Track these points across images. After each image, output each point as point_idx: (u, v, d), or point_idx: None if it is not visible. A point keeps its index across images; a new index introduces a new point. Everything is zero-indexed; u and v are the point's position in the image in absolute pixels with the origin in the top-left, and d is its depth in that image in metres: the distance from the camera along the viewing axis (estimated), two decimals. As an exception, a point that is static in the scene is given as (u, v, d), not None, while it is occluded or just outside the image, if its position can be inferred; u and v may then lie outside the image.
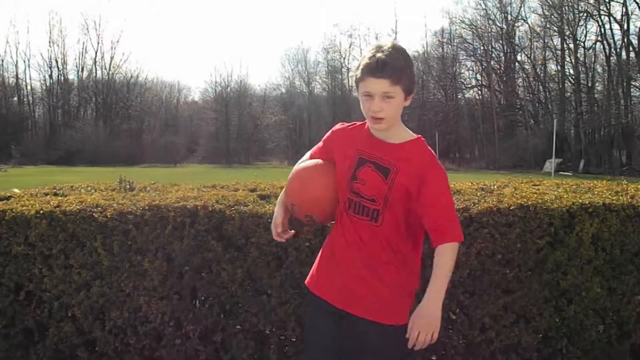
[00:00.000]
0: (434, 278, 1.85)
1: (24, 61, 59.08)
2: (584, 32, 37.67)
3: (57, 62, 46.45)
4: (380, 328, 1.87)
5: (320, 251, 2.07)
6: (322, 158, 2.04)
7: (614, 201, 2.80)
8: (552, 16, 38.08)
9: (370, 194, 1.87)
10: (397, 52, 1.84)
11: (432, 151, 1.92)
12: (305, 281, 2.08)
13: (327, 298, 1.95)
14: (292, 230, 2.07)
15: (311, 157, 2.10)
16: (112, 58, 48.69)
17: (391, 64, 1.79)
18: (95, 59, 47.75)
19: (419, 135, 1.95)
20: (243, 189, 3.37)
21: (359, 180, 1.88)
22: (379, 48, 1.83)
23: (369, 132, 1.95)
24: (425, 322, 1.82)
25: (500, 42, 42.22)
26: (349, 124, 2.05)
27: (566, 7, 36.76)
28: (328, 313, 1.95)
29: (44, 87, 47.13)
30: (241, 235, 2.76)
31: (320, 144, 2.09)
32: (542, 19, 39.37)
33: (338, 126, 2.08)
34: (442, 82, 44.42)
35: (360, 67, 1.84)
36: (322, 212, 1.98)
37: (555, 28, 38.23)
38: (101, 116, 46.41)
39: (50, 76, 46.42)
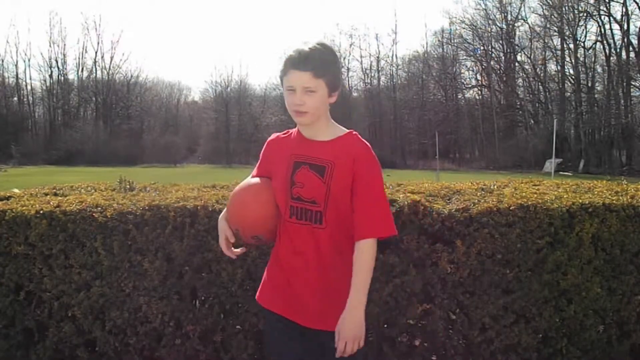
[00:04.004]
0: (354, 281, 1.76)
1: (24, 61, 59.27)
2: (584, 32, 37.78)
3: (57, 62, 46.58)
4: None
5: (267, 264, 2.03)
6: (262, 175, 2.00)
7: (614, 201, 2.80)
8: (552, 16, 38.12)
9: (310, 196, 1.81)
10: (322, 46, 1.82)
11: (366, 143, 1.86)
12: (256, 296, 2.02)
13: (280, 312, 1.89)
14: (242, 248, 2.05)
15: (252, 177, 2.05)
16: (112, 58, 48.89)
17: (313, 57, 1.77)
18: (95, 59, 47.91)
19: (352, 130, 1.92)
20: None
21: (297, 184, 1.84)
22: (304, 43, 1.82)
23: (300, 133, 1.92)
24: (351, 331, 1.75)
25: (500, 42, 42.27)
26: (283, 132, 2.02)
27: (566, 7, 36.79)
28: (286, 328, 1.87)
29: (44, 87, 47.24)
30: (241, 235, 2.76)
31: (259, 161, 2.06)
32: (542, 19, 39.46)
33: (272, 136, 2.05)
34: (442, 82, 44.46)
35: (285, 60, 1.81)
36: (268, 230, 1.93)
37: (555, 28, 38.26)
38: (101, 116, 46.48)
39: (50, 76, 46.54)
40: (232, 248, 2.03)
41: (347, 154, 1.82)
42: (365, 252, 1.78)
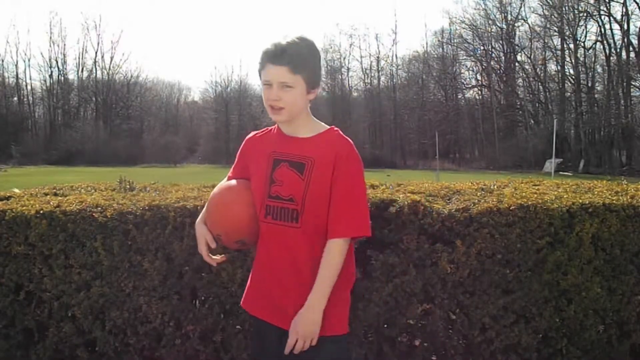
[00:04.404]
0: (318, 279, 1.72)
1: (24, 61, 59.36)
2: (584, 32, 37.84)
3: (57, 62, 46.67)
4: (319, 341, 1.74)
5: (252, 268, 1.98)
6: (239, 176, 1.95)
7: (614, 201, 2.80)
8: (552, 16, 38.15)
9: (288, 193, 1.75)
10: (302, 41, 1.75)
11: (349, 140, 1.80)
12: (241, 302, 1.98)
13: (261, 316, 1.86)
14: (222, 256, 1.98)
15: (228, 179, 2.00)
16: (112, 58, 49.02)
17: (290, 52, 1.70)
18: (95, 59, 48.01)
19: (333, 126, 1.86)
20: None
21: (276, 182, 1.78)
22: (283, 36, 1.74)
23: (280, 131, 1.87)
24: (304, 329, 1.71)
25: (500, 42, 42.29)
26: (261, 130, 1.98)
27: (566, 7, 36.81)
28: (268, 332, 1.84)
29: (44, 87, 47.31)
30: (241, 235, 2.76)
31: (235, 161, 2.01)
32: (542, 19, 39.50)
33: (250, 135, 2.00)
34: (442, 82, 44.49)
35: (261, 54, 1.75)
36: (252, 233, 1.86)
37: (555, 28, 38.29)
38: (101, 116, 46.52)
39: (50, 76, 46.62)
40: (211, 255, 1.95)
41: (328, 150, 1.76)
42: (334, 252, 1.72)
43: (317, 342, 1.74)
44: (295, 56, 1.71)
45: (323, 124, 1.87)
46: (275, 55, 1.71)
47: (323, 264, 1.73)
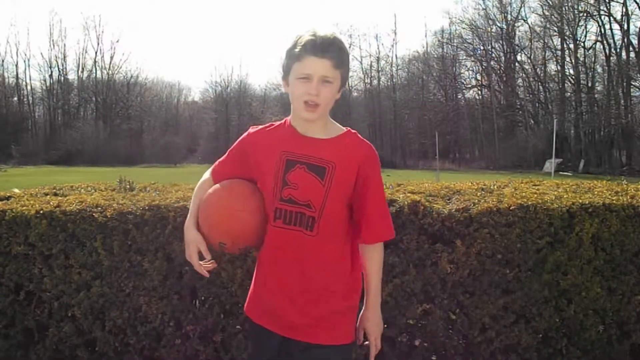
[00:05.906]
0: (370, 286, 1.73)
1: (24, 61, 59.21)
2: (584, 32, 37.84)
3: (57, 62, 46.67)
4: (323, 350, 1.66)
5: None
6: (231, 174, 1.80)
7: (614, 201, 2.80)
8: (552, 16, 38.15)
9: (305, 198, 1.63)
10: (339, 37, 1.67)
11: (369, 143, 1.73)
12: (244, 308, 1.87)
13: (262, 323, 1.76)
14: (212, 262, 1.81)
15: (216, 176, 1.84)
16: (112, 58, 48.97)
17: (336, 46, 1.62)
18: (95, 59, 47.99)
19: (349, 128, 1.76)
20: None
21: (290, 185, 1.65)
22: (315, 30, 1.63)
23: (292, 128, 1.72)
24: (378, 328, 1.77)
25: (500, 42, 42.30)
26: (266, 124, 1.82)
27: (566, 7, 36.82)
28: (268, 340, 1.75)
29: (44, 87, 47.30)
30: (241, 235, 2.76)
31: (225, 158, 1.86)
32: (542, 19, 39.49)
33: (254, 129, 1.82)
34: (442, 82, 44.52)
35: (301, 44, 1.60)
36: (260, 239, 1.73)
37: (555, 28, 38.30)
38: (101, 116, 46.51)
39: (50, 76, 46.63)
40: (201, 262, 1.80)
41: (351, 155, 1.67)
42: (378, 257, 1.74)
43: (325, 352, 1.69)
44: (339, 51, 1.63)
45: (339, 125, 1.77)
46: (321, 48, 1.59)
47: (372, 269, 1.74)
